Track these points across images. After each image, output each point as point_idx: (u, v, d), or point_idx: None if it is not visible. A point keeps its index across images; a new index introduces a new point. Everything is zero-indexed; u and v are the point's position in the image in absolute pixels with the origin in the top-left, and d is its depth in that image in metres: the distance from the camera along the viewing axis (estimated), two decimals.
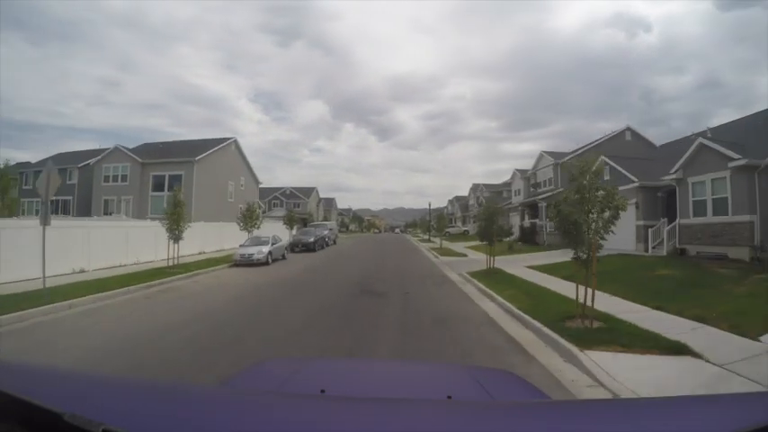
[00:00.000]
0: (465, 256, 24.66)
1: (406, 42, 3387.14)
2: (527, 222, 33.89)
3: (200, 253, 24.96)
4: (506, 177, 64.26)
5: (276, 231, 35.98)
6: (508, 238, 32.63)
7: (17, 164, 51.09)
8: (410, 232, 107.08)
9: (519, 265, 18.88)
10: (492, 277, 15.14)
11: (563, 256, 23.31)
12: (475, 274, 16.06)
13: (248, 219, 24.88)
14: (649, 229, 21.77)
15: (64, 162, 45.29)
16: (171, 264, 17.59)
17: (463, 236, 51.34)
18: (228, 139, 41.86)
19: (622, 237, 25.11)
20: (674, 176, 19.44)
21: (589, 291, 8.47)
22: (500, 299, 11.34)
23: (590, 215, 8.75)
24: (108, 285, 13.00)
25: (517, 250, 26.55)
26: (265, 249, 19.89)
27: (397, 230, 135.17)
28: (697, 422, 1.09)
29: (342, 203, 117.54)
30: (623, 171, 24.11)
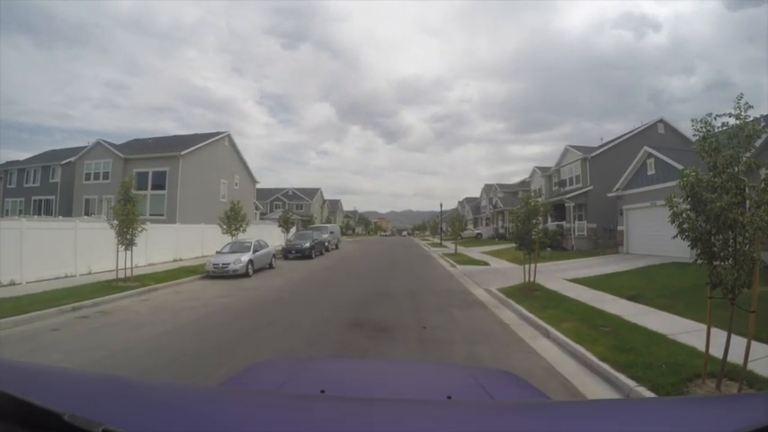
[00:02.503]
0: (486, 264, 20.86)
1: (413, 44, 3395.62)
2: (551, 225, 30.04)
3: (174, 260, 21.45)
4: (516, 179, 60.80)
5: (271, 234, 32.60)
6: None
7: (5, 162, 48.10)
8: (418, 235, 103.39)
9: (556, 278, 15.14)
10: (533, 297, 11.40)
11: (603, 264, 19.45)
12: (509, 292, 12.32)
13: (232, 220, 21.27)
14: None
15: (51, 159, 42.20)
16: (126, 275, 14.01)
17: (476, 240, 47.44)
18: (221, 133, 38.37)
19: (673, 242, 21.23)
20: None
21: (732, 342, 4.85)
22: (560, 335, 7.69)
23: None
24: (17, 308, 9.56)
25: (544, 257, 22.74)
26: (245, 258, 16.21)
27: (405, 233, 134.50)
28: (697, 422, 1.08)
29: (349, 206, 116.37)
30: (673, 163, 20.28)
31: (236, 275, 15.71)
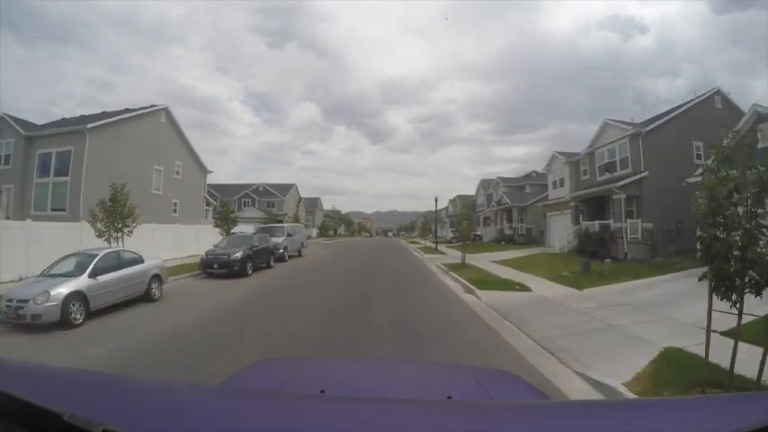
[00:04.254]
0: (523, 288, 12.78)
1: (399, 44, 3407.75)
2: (592, 226, 22.24)
3: (21, 279, 13.10)
4: (506, 177, 52.71)
5: (214, 238, 24.18)
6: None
7: None
8: (405, 236, 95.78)
9: (693, 330, 7.26)
10: None
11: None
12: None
13: (112, 215, 12.99)
14: None
15: None
16: None
17: (476, 243, 39.50)
18: (155, 106, 29.82)
19: None
20: None
21: None
22: None
23: None
24: None
25: (603, 274, 14.95)
26: (60, 290, 7.89)
27: (390, 234, 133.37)
28: (697, 422, 1.08)
29: (335, 206, 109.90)
30: None
31: (38, 324, 7.48)
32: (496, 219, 40.87)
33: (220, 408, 1.21)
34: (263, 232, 20.82)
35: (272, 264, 18.48)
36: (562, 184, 28.44)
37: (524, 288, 12.53)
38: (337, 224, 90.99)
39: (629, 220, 20.56)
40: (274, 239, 20.33)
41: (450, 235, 45.03)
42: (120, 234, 13.11)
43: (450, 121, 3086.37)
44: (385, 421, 1.15)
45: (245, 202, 60.82)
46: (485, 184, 50.57)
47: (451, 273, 16.83)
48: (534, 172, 49.11)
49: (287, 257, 21.73)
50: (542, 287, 12.91)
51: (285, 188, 64.34)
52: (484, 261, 21.41)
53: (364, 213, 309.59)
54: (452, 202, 72.35)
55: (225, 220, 21.16)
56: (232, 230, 21.29)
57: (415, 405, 1.44)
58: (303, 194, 78.54)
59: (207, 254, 15.64)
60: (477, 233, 44.69)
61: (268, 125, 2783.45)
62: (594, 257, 20.19)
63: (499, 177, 45.82)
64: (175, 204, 30.40)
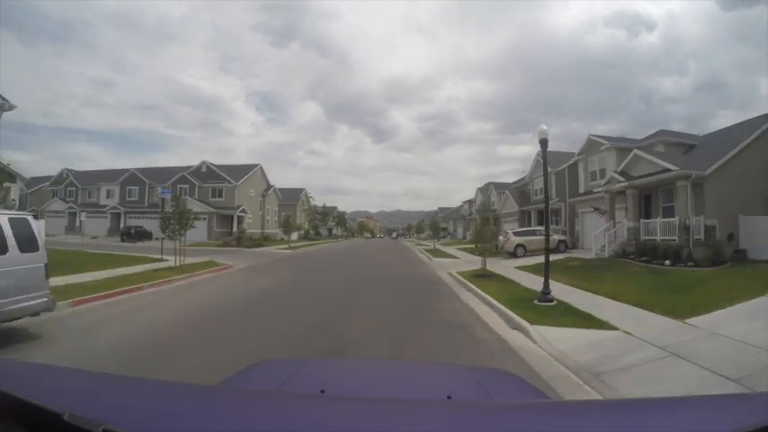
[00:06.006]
0: None
1: (402, 42, 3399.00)
2: None
3: None
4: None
5: None
6: None
7: None
8: (413, 239, 76.49)
9: None
10: None
11: None
12: None
13: None
14: None
15: None
16: None
17: (573, 263, 19.72)
18: None
19: None
20: None
21: None
22: None
23: None
24: None
25: None
26: None
27: (395, 235, 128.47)
28: (697, 422, 1.05)
29: (343, 207, 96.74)
30: None
31: None
32: (612, 210, 20.76)
33: (220, 408, 1.19)
34: None
35: None
36: None
37: None
38: (322, 222, 70.85)
39: None
40: None
41: (502, 240, 24.32)
42: None
43: (453, 120, 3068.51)
44: (385, 421, 1.13)
45: (181, 189, 41.21)
46: (556, 158, 30.06)
47: None
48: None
49: None
50: None
51: (240, 170, 44.13)
52: None
53: (369, 213, 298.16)
54: (482, 190, 52.44)
55: None
56: None
57: (415, 405, 1.42)
58: (289, 186, 59.11)
59: None
60: (562, 238, 24.48)
61: (271, 124, 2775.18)
62: None
63: (601, 136, 25.34)
64: None
